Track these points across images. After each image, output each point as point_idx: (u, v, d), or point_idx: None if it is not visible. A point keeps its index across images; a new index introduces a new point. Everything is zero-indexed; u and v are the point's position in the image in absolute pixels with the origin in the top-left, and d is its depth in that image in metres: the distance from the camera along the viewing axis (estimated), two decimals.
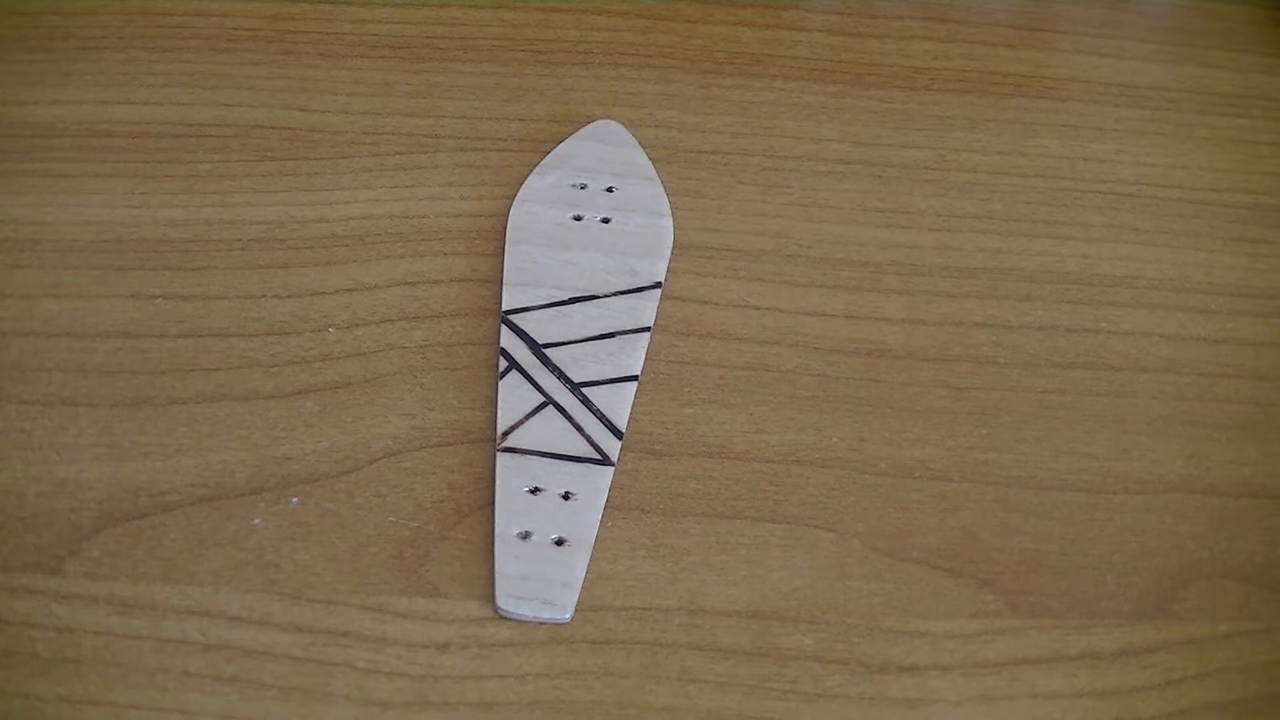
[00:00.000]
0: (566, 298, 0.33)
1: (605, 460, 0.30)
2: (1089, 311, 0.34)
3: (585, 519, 0.29)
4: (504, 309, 0.33)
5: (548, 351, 0.32)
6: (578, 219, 0.35)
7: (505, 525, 0.29)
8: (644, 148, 0.37)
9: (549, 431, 0.30)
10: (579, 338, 0.32)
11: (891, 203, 0.36)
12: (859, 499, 0.30)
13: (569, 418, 0.31)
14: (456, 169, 0.36)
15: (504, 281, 0.33)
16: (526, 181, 0.35)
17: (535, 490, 0.29)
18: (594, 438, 0.30)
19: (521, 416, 0.31)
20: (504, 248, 0.34)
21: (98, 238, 0.34)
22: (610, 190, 0.35)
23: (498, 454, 0.30)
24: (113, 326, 0.32)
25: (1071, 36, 0.42)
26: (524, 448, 0.30)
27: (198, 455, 0.30)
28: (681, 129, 0.38)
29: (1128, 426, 0.32)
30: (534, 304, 0.33)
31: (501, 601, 0.28)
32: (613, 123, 0.37)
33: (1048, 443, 0.32)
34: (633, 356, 0.32)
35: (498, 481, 0.29)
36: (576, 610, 0.28)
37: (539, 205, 0.35)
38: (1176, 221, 0.37)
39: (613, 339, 0.32)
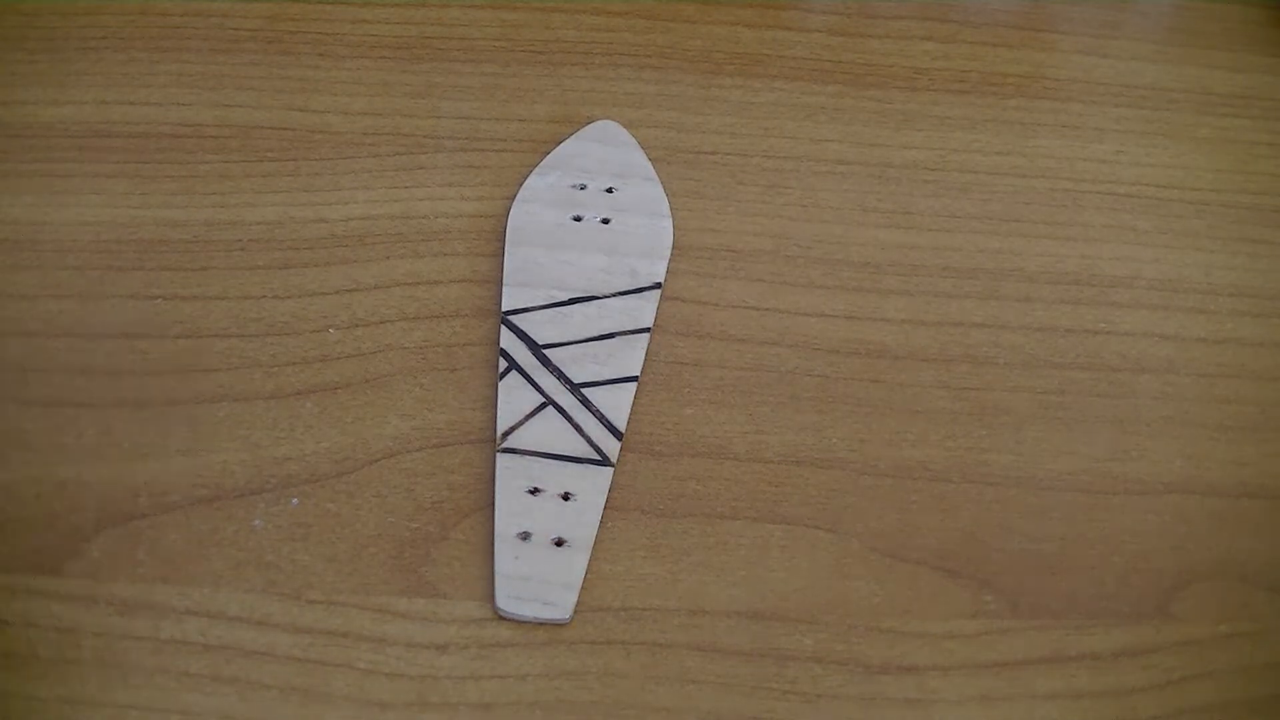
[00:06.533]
0: (566, 298, 0.33)
1: (605, 461, 0.30)
2: (1089, 312, 0.34)
3: (585, 519, 0.29)
4: (504, 309, 0.33)
5: (547, 352, 0.32)
6: (578, 219, 0.35)
7: (505, 526, 0.29)
8: (644, 148, 0.37)
9: (549, 432, 0.30)
10: (579, 338, 0.32)
11: (891, 203, 0.36)
12: (859, 499, 0.30)
13: (569, 418, 0.31)
14: (456, 169, 0.36)
15: (504, 282, 0.33)
16: (526, 182, 0.35)
17: (535, 491, 0.29)
18: (594, 438, 0.30)
19: (521, 417, 0.31)
20: (504, 248, 0.34)
21: (98, 238, 0.34)
22: (610, 191, 0.35)
23: (497, 454, 0.30)
24: (113, 326, 0.32)
25: (1071, 37, 0.42)
26: (524, 448, 0.30)
27: (198, 455, 0.30)
28: (681, 129, 0.38)
29: (1128, 427, 0.32)
30: (534, 304, 0.33)
31: (501, 602, 0.28)
32: (613, 123, 0.37)
33: (1047, 443, 0.32)
34: (632, 357, 0.32)
35: (497, 482, 0.29)
36: (576, 611, 0.28)
37: (539, 206, 0.35)
38: (1176, 221, 0.37)
39: (612, 339, 0.32)
